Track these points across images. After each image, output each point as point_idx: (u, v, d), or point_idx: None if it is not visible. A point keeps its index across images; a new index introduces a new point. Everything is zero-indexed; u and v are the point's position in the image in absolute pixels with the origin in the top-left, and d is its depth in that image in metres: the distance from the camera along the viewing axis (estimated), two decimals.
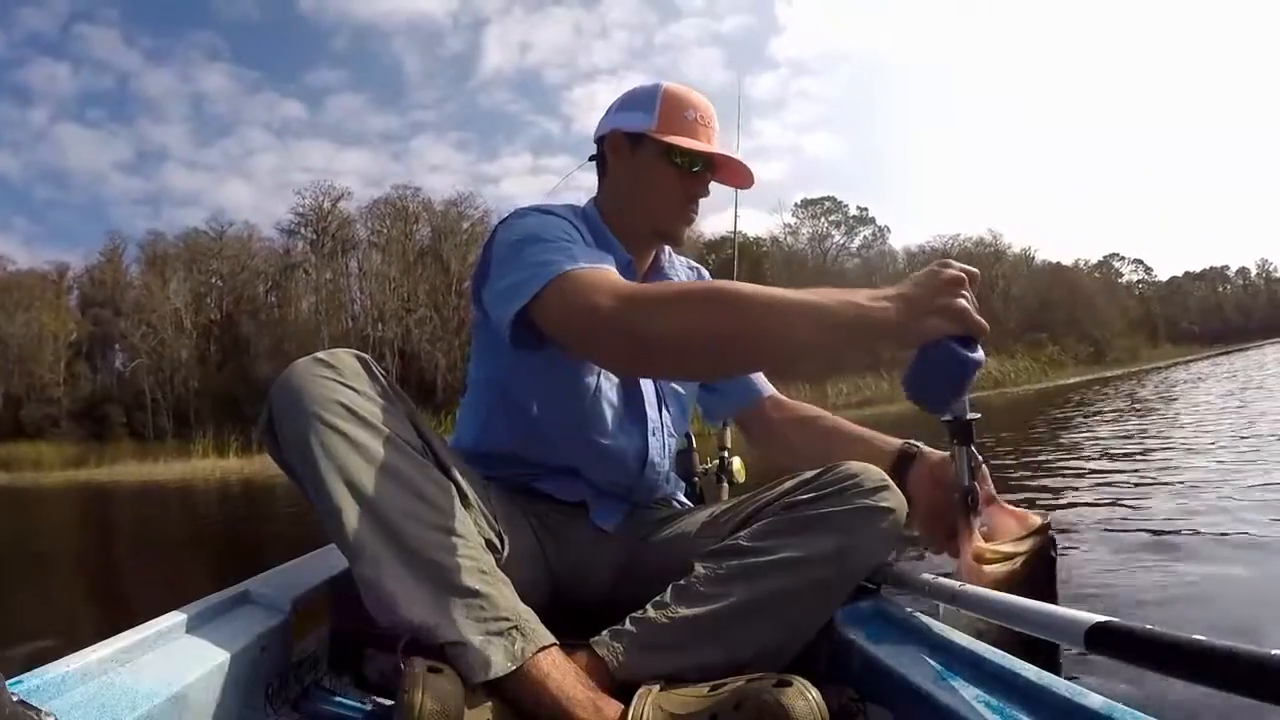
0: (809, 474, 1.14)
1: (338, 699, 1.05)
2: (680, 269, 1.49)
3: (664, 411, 1.42)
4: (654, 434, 1.39)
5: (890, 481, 1.10)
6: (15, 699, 0.67)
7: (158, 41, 58.46)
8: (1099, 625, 0.75)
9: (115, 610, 4.21)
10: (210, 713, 0.89)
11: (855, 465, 1.12)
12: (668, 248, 1.46)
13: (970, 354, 0.98)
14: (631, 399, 1.36)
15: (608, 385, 1.33)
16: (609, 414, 1.33)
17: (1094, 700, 0.75)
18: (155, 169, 53.75)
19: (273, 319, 35.62)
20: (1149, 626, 0.70)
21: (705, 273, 1.56)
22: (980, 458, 1.14)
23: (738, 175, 1.39)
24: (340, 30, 66.82)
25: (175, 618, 0.97)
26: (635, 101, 1.33)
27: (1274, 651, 0.58)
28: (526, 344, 1.14)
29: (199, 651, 0.93)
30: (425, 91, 65.53)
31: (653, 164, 1.31)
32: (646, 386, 1.39)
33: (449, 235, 36.03)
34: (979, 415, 1.11)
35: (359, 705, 1.04)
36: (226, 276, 36.22)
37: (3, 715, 0.64)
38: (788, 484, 1.16)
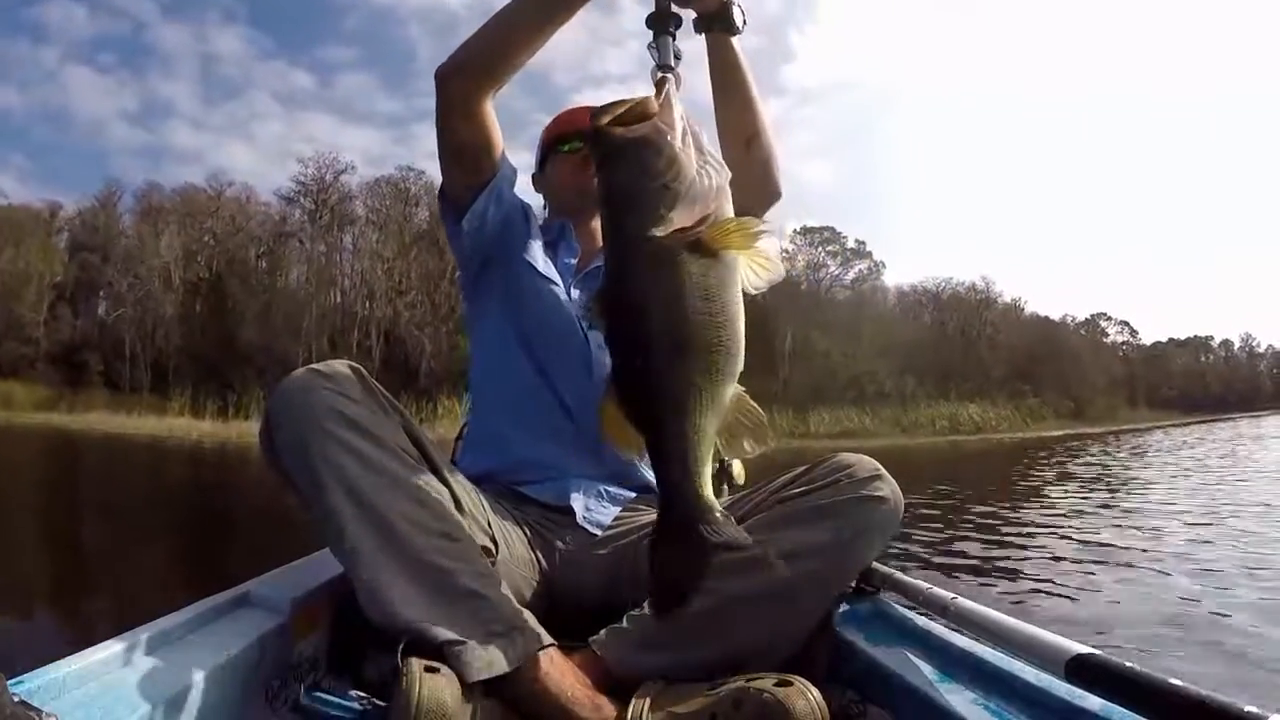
0: (803, 468, 1.16)
1: (337, 700, 1.06)
2: None
3: None
4: (601, 348, 1.41)
5: (883, 471, 1.11)
6: (16, 699, 0.67)
7: None
8: (1081, 656, 0.77)
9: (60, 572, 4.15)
10: (211, 714, 0.90)
11: (849, 456, 1.13)
12: None
13: None
14: (567, 314, 1.45)
15: (551, 289, 1.46)
16: (560, 314, 1.45)
17: (1093, 702, 0.77)
18: (159, 123, 53.75)
19: (261, 285, 35.33)
20: (1129, 664, 0.72)
21: None
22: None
23: None
24: (357, 8, 66.79)
25: (176, 619, 0.98)
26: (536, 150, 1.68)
27: (1248, 708, 0.61)
28: (458, 208, 1.38)
29: (199, 653, 0.94)
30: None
31: (552, 165, 1.61)
32: (577, 298, 1.49)
33: None
34: None
35: (358, 706, 1.05)
36: (220, 237, 35.89)
37: (4, 716, 0.64)
38: (782, 479, 1.17)
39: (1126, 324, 59.70)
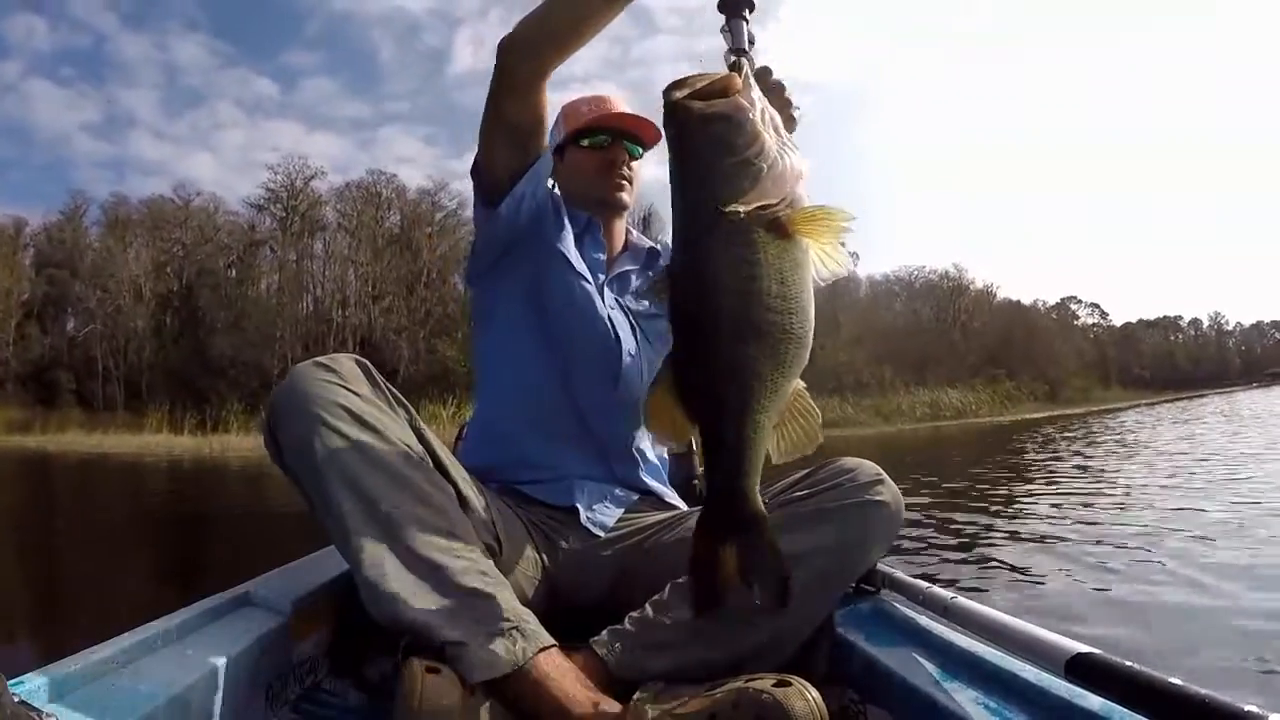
0: (804, 471, 1.16)
1: (338, 700, 1.07)
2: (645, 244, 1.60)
3: (639, 340, 1.44)
4: (630, 356, 1.40)
5: (885, 475, 1.12)
6: (17, 699, 0.67)
7: (137, 6, 57.42)
8: (1081, 655, 0.78)
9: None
10: (211, 714, 0.90)
11: (850, 460, 1.14)
12: (634, 231, 1.63)
13: None
14: (598, 313, 1.40)
15: (583, 286, 1.41)
16: (590, 314, 1.40)
17: (1093, 702, 0.77)
18: (122, 134, 52.60)
19: (233, 295, 34.84)
20: (1129, 663, 0.73)
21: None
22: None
23: (648, 133, 1.53)
24: (318, 13, 66.19)
25: (176, 619, 0.97)
26: (551, 131, 1.53)
27: (1248, 707, 0.61)
28: (495, 190, 1.33)
29: (200, 653, 0.93)
30: (398, 83, 65.11)
31: (573, 156, 1.54)
32: (608, 299, 1.45)
33: (420, 224, 35.61)
34: None
35: (359, 707, 1.06)
36: (189, 247, 35.30)
37: (4, 716, 0.64)
38: (784, 481, 1.18)
39: (1097, 306, 60.84)
